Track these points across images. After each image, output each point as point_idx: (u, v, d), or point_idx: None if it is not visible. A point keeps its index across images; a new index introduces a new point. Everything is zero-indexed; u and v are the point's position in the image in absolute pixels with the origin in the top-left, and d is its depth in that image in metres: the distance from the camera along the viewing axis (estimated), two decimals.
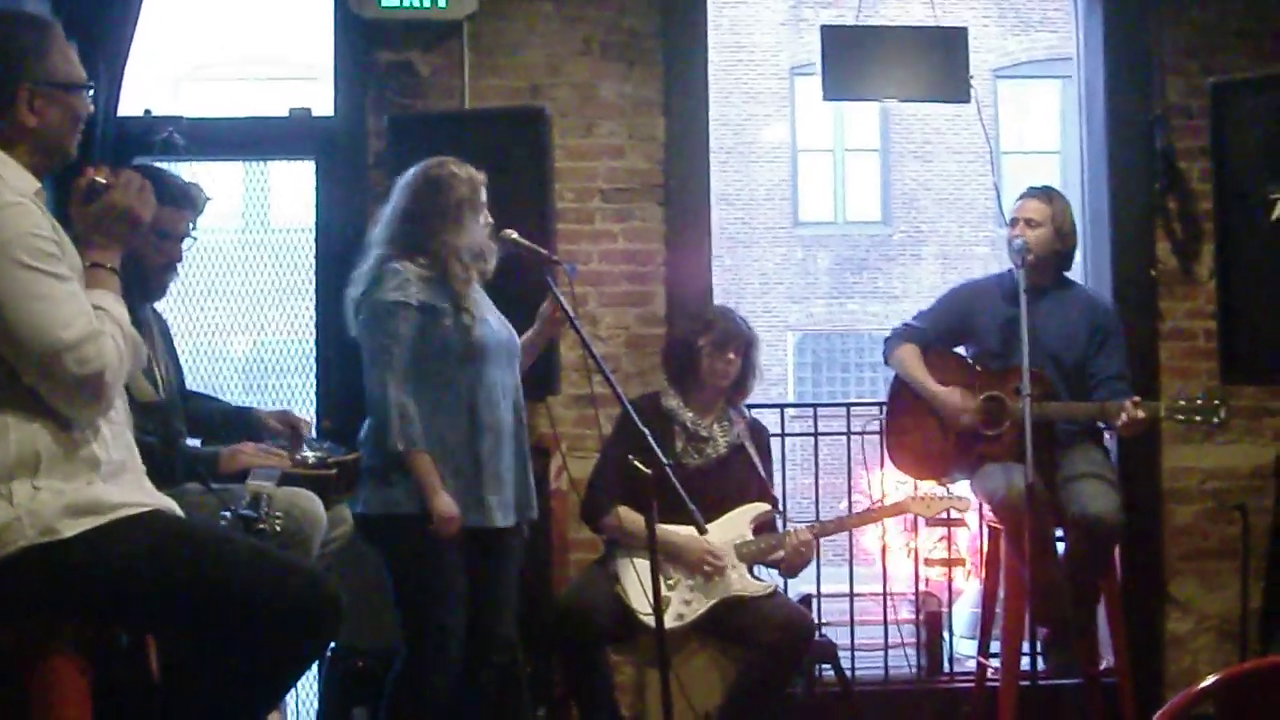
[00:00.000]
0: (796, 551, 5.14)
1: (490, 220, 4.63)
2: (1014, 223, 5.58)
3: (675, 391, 5.27)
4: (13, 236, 2.99)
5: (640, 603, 4.84)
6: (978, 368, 5.58)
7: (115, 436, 3.22)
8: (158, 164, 4.89)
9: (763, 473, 5.25)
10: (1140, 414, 5.16)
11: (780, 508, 5.37)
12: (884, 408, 5.88)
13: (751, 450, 5.24)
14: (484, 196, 4.61)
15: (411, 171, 4.66)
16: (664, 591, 4.48)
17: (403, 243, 4.54)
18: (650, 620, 4.39)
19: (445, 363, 4.49)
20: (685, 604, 5.00)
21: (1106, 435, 5.66)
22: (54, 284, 3.02)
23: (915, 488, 5.79)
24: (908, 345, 5.70)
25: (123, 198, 3.25)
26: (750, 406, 5.52)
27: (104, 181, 3.24)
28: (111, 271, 3.25)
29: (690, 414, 5.22)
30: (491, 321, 4.61)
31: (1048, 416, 5.27)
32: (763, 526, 5.20)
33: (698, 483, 4.80)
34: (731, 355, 5.20)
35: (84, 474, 3.09)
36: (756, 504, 5.19)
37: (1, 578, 2.98)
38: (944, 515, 6.58)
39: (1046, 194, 5.63)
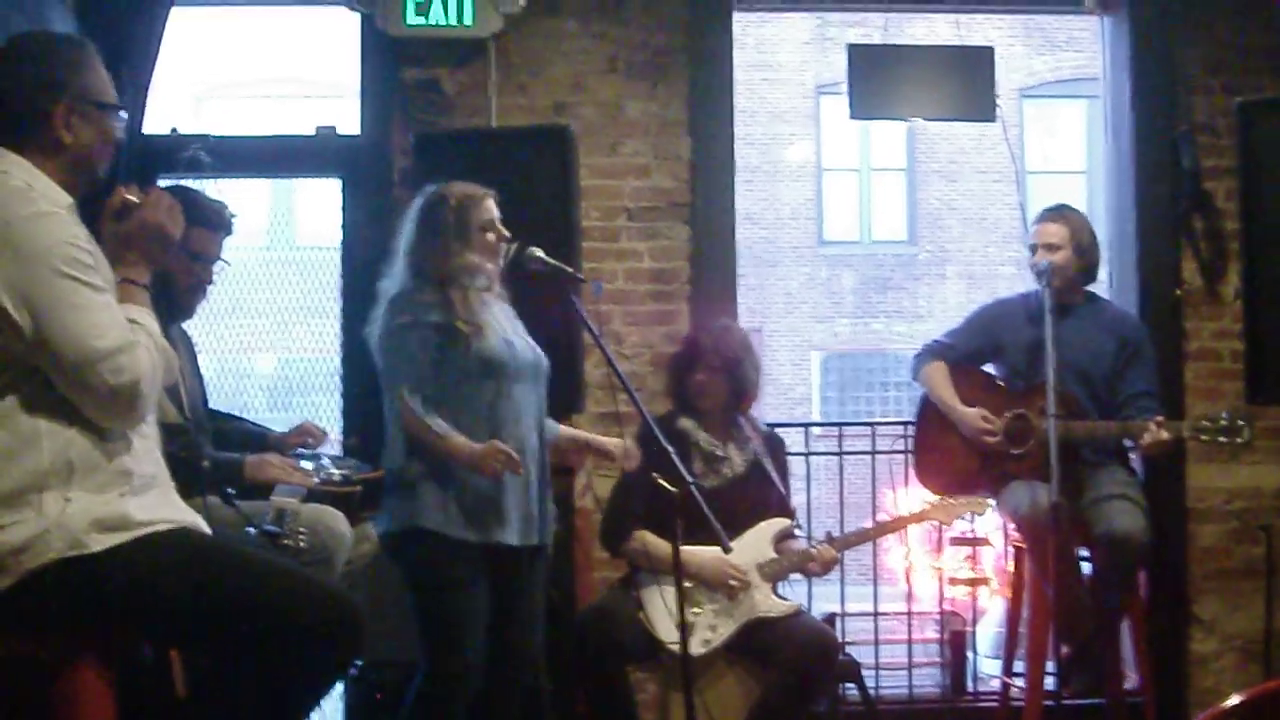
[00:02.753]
0: (823, 568, 5.14)
1: (504, 237, 4.59)
2: (1033, 249, 5.56)
3: (686, 413, 5.25)
4: (51, 245, 3.02)
5: (667, 634, 4.80)
6: (1004, 386, 5.57)
7: (146, 450, 3.24)
8: (189, 185, 4.91)
9: (780, 486, 5.22)
10: (1164, 434, 5.15)
11: (797, 519, 5.31)
12: (912, 425, 5.87)
13: (768, 464, 5.20)
14: (481, 215, 4.54)
15: (417, 199, 4.64)
16: (689, 618, 4.46)
17: (407, 273, 4.53)
18: (678, 649, 4.36)
19: (465, 380, 4.44)
20: (711, 629, 4.97)
21: (1134, 456, 5.64)
22: (90, 293, 3.05)
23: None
24: (936, 363, 5.68)
25: (154, 216, 3.27)
26: (775, 425, 5.51)
27: (135, 200, 3.27)
28: (143, 288, 3.27)
29: (705, 435, 5.19)
30: (515, 341, 4.58)
31: (1073, 436, 5.26)
32: (783, 542, 5.18)
33: (717, 503, 4.77)
34: (702, 375, 5.15)
35: (115, 486, 3.11)
36: (775, 520, 5.15)
37: (29, 590, 2.99)
38: (969, 534, 6.61)
39: (1061, 215, 5.60)
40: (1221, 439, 5.17)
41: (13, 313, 2.99)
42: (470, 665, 4.46)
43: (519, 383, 4.53)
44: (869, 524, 5.48)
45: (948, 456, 5.62)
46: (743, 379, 5.19)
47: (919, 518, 5.42)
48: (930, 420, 5.70)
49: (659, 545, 4.77)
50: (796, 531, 5.26)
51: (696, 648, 4.76)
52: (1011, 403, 5.49)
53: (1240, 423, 5.14)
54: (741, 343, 5.24)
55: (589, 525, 5.58)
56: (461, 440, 4.29)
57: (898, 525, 5.46)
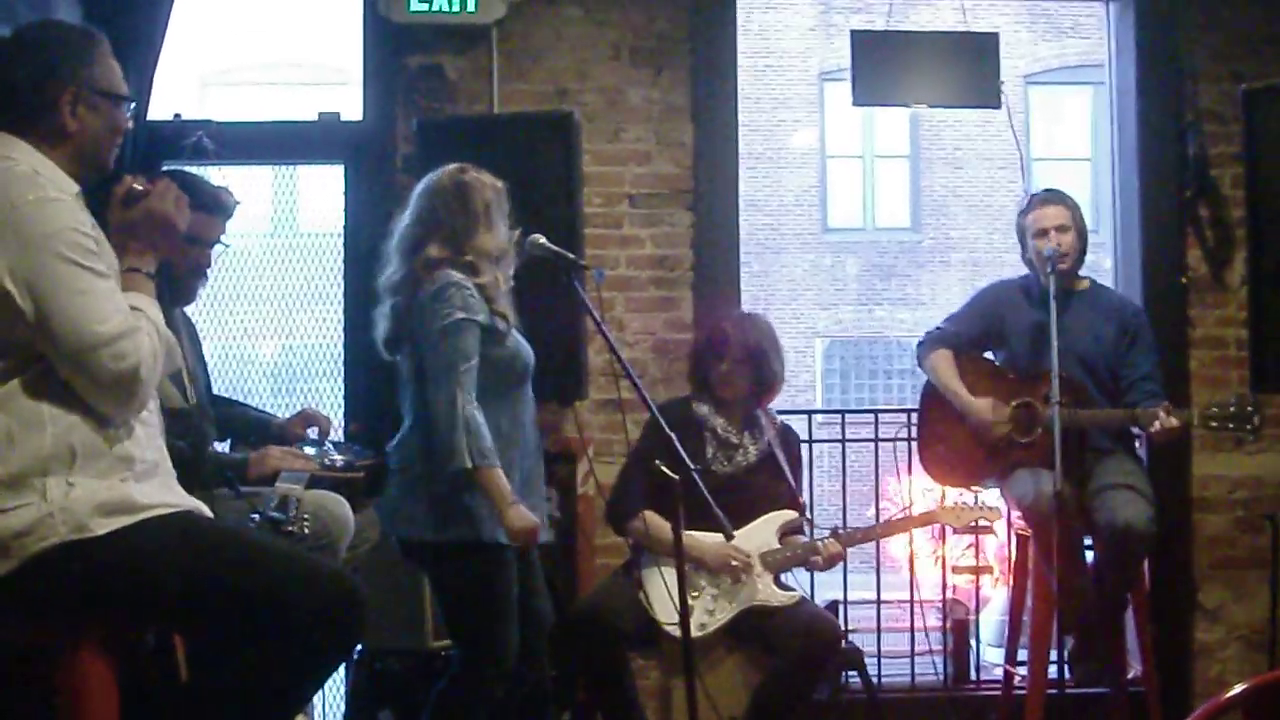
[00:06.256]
0: (828, 563, 5.13)
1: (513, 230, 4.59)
2: (1042, 234, 5.50)
3: (704, 399, 5.25)
4: (56, 230, 3.03)
5: (664, 614, 4.82)
6: (1010, 374, 5.55)
7: (149, 437, 3.24)
8: (189, 170, 4.90)
9: (791, 480, 5.22)
10: (1174, 422, 5.13)
11: (808, 515, 5.32)
12: (916, 413, 5.84)
13: (781, 457, 5.21)
14: (505, 205, 4.51)
15: (432, 178, 4.51)
16: (689, 601, 4.46)
17: (443, 249, 4.39)
18: (674, 631, 4.35)
19: (504, 382, 4.42)
20: (709, 613, 4.97)
21: (1139, 445, 5.63)
22: (93, 279, 3.06)
23: (943, 496, 5.76)
24: (941, 351, 5.65)
25: (160, 205, 3.29)
26: (778, 412, 5.50)
27: (141, 189, 3.28)
28: (147, 277, 3.28)
29: (720, 420, 5.19)
30: (519, 335, 4.57)
31: (1080, 424, 5.24)
32: (789, 534, 5.17)
33: (727, 490, 4.77)
34: (725, 366, 5.13)
35: (117, 471, 3.11)
36: (784, 511, 5.16)
37: (32, 574, 3.00)
38: (973, 523, 6.60)
39: (1060, 198, 5.58)
40: (1230, 426, 5.15)
41: (17, 298, 3.00)
42: (509, 670, 4.44)
43: (528, 380, 4.54)
44: (872, 512, 5.48)
45: (953, 445, 5.60)
46: (767, 372, 5.18)
47: (926, 520, 5.42)
48: (935, 408, 5.68)
49: (661, 527, 4.77)
50: (805, 526, 5.25)
51: (693, 630, 4.75)
52: (1018, 390, 5.47)
53: (1249, 409, 5.12)
54: (767, 334, 5.22)
55: (591, 512, 5.58)
56: (507, 494, 4.23)
57: (905, 527, 5.45)
